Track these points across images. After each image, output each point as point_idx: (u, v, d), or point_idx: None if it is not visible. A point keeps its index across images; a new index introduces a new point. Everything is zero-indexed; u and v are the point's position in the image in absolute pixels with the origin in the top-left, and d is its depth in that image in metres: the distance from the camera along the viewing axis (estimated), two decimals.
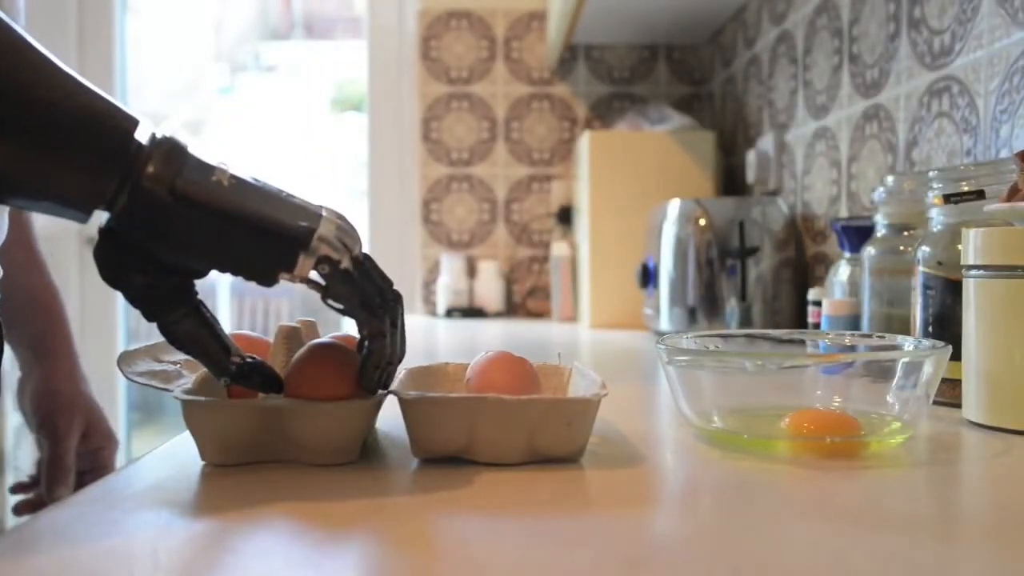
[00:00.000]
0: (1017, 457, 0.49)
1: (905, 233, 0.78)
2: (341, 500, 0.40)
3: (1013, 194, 0.57)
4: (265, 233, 0.42)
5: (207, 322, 0.45)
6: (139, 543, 0.35)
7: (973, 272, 0.57)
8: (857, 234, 0.90)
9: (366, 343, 0.45)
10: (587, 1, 1.48)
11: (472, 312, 1.85)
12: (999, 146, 0.82)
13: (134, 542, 0.35)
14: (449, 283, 1.87)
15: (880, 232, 0.81)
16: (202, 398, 0.45)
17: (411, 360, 0.57)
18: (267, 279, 0.43)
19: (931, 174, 0.67)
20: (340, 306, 0.44)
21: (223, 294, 4.38)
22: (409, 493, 0.42)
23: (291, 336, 0.51)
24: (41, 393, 0.85)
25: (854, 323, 0.83)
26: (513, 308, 1.93)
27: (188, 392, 0.46)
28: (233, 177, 0.42)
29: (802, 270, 1.29)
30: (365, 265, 0.44)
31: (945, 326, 0.63)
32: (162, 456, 0.48)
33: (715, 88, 1.85)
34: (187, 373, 0.52)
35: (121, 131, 0.40)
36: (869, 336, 0.67)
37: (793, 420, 0.50)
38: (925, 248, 0.66)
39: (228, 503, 0.40)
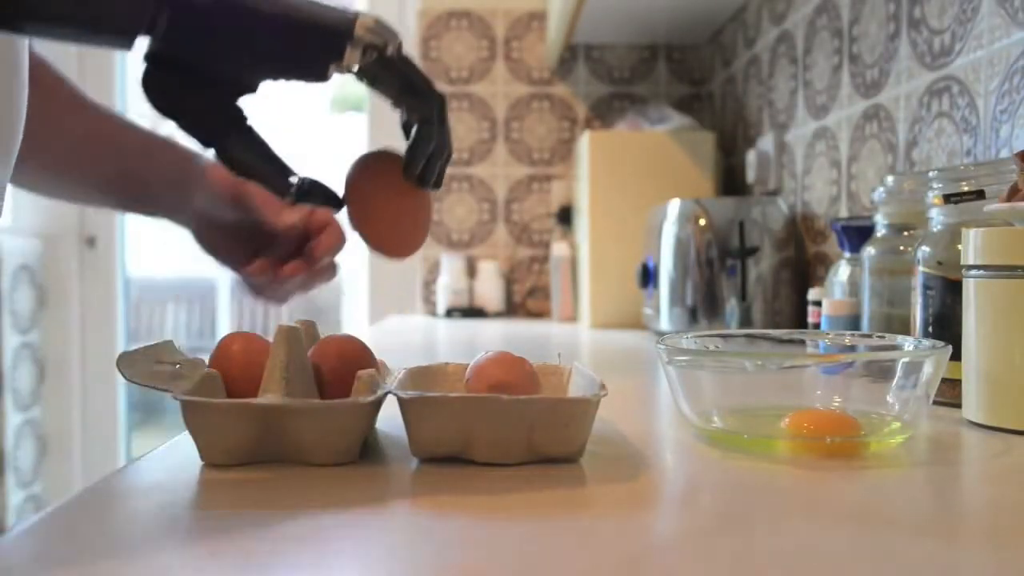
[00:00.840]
0: (1017, 457, 0.49)
1: (905, 233, 0.78)
2: (341, 500, 0.40)
3: (1013, 194, 0.57)
4: (311, 26, 0.42)
5: (262, 144, 0.45)
6: (139, 543, 0.35)
7: (973, 272, 0.57)
8: (857, 234, 0.90)
9: (412, 131, 0.46)
10: (587, 1, 1.48)
11: (472, 312, 1.85)
12: (999, 146, 0.82)
13: (134, 542, 0.35)
14: (449, 283, 1.87)
15: (880, 232, 0.81)
16: (202, 398, 0.45)
17: (411, 360, 0.57)
18: (318, 74, 0.44)
19: (931, 174, 0.67)
20: (386, 94, 0.45)
21: (223, 294, 4.38)
22: (409, 493, 0.42)
23: (291, 336, 0.51)
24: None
25: (854, 323, 0.83)
26: (513, 308, 1.93)
27: (188, 392, 0.46)
28: None
29: (802, 270, 1.29)
30: (406, 58, 0.45)
31: (945, 326, 0.63)
32: (162, 456, 0.48)
33: (715, 88, 1.85)
34: (187, 373, 0.52)
35: None
36: (869, 336, 0.67)
37: (793, 420, 0.50)
38: (925, 248, 0.66)
39: (228, 503, 0.40)
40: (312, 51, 0.43)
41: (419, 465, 0.46)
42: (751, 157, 1.52)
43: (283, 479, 0.43)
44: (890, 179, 0.80)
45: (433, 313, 1.93)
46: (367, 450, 0.49)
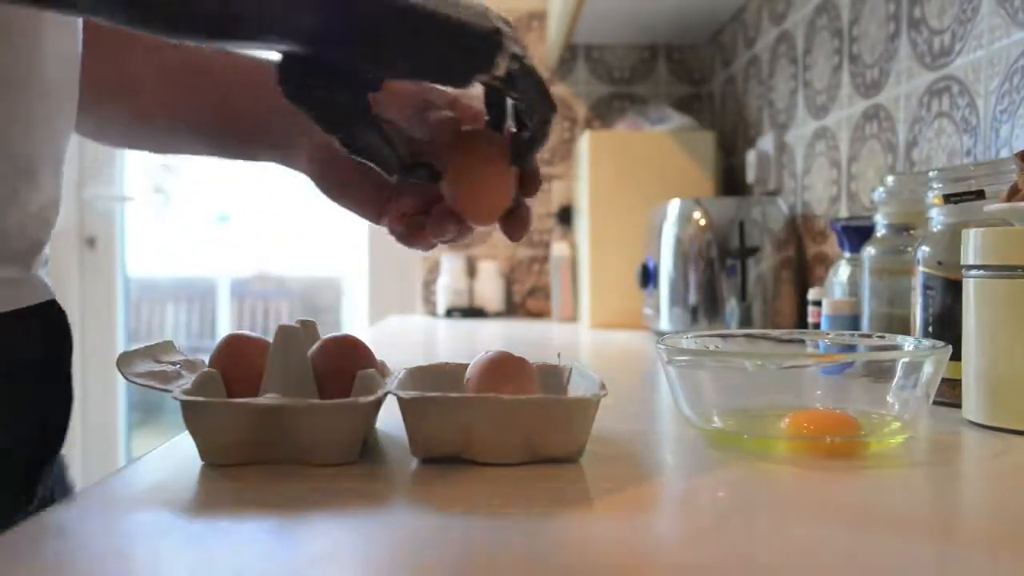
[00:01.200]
0: (1017, 457, 0.49)
1: (905, 233, 0.78)
2: (341, 500, 0.40)
3: (1013, 194, 0.57)
4: (466, 36, 0.43)
5: (380, 129, 0.47)
6: (139, 543, 0.35)
7: (973, 272, 0.57)
8: (857, 234, 0.90)
9: (528, 130, 0.48)
10: (587, 1, 1.48)
11: (472, 312, 1.85)
12: (999, 146, 0.82)
13: (134, 542, 0.35)
14: (449, 283, 1.87)
15: (880, 232, 0.81)
16: (202, 398, 0.45)
17: (411, 360, 0.57)
18: (462, 82, 0.45)
19: (931, 174, 0.67)
20: (520, 97, 0.46)
21: (223, 294, 4.38)
22: (409, 493, 0.42)
23: (291, 336, 0.51)
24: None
25: (854, 323, 0.83)
26: (513, 308, 1.93)
27: (187, 392, 0.46)
28: None
29: (802, 270, 1.29)
30: (533, 62, 0.47)
31: (945, 326, 0.63)
32: (162, 456, 0.48)
33: (715, 88, 1.85)
34: (186, 373, 0.52)
35: None
36: (869, 336, 0.67)
37: (793, 420, 0.50)
38: (925, 248, 0.66)
39: (228, 503, 0.40)
40: (465, 62, 0.44)
41: (419, 465, 0.46)
42: (751, 157, 1.52)
43: (283, 479, 0.43)
44: (890, 179, 0.80)
45: (433, 313, 1.93)
46: (367, 450, 0.49)
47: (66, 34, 0.54)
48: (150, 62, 0.64)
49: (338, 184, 0.60)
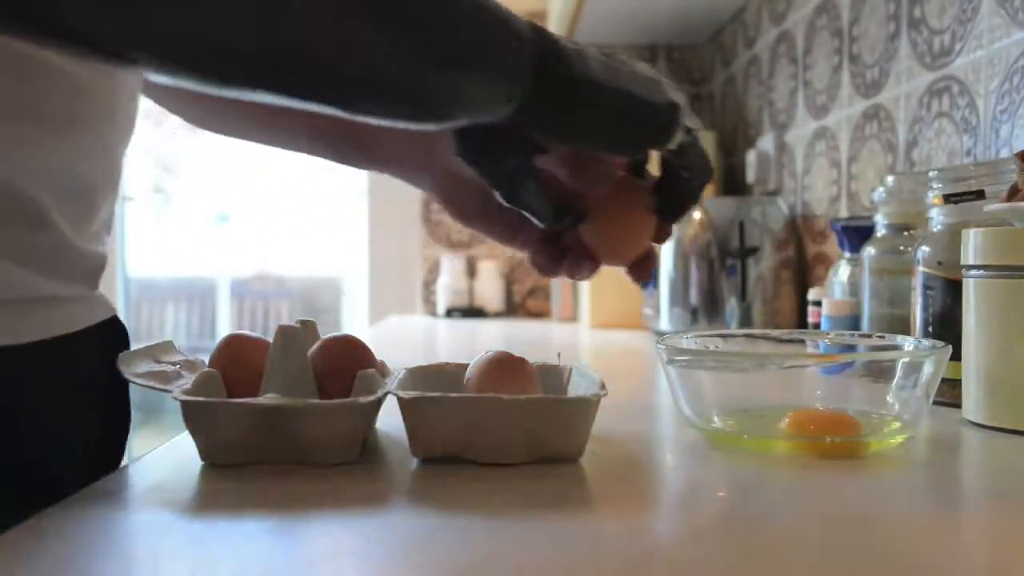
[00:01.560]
0: (1017, 457, 0.49)
1: (905, 233, 0.78)
2: (341, 500, 0.40)
3: (1013, 194, 0.57)
4: (650, 113, 0.45)
5: (541, 184, 0.48)
6: (139, 543, 0.35)
7: (973, 272, 0.57)
8: (857, 234, 0.90)
9: (685, 185, 0.49)
10: (587, 1, 1.48)
11: (472, 312, 1.85)
12: (999, 146, 0.82)
13: (134, 542, 0.35)
14: (449, 283, 1.87)
15: (880, 232, 0.81)
16: (202, 398, 0.45)
17: (411, 360, 0.57)
18: (639, 153, 0.47)
19: (931, 174, 0.67)
20: (682, 163, 0.48)
21: (223, 294, 4.38)
22: (409, 493, 0.42)
23: (291, 336, 0.51)
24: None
25: (854, 323, 0.83)
26: (513, 308, 1.93)
27: (188, 392, 0.46)
28: (599, 60, 0.43)
29: (802, 270, 1.29)
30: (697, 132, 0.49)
31: (945, 326, 0.63)
32: (162, 456, 0.48)
33: (715, 88, 1.85)
34: (187, 373, 0.52)
35: (519, 32, 0.41)
36: (869, 336, 0.67)
37: (793, 420, 0.50)
38: (925, 248, 0.66)
39: (228, 503, 0.40)
40: (645, 137, 0.46)
41: (419, 465, 0.46)
42: (751, 157, 1.52)
43: (283, 479, 0.43)
44: (890, 179, 0.80)
45: (433, 313, 1.93)
46: (367, 450, 0.49)
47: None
48: None
49: (465, 210, 0.60)
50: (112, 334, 0.58)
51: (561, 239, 0.55)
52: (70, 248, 0.51)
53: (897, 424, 0.50)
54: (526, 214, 0.49)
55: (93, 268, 0.55)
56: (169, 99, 0.67)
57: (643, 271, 0.54)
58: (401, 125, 0.42)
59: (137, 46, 0.34)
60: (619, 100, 0.43)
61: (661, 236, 0.53)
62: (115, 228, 0.59)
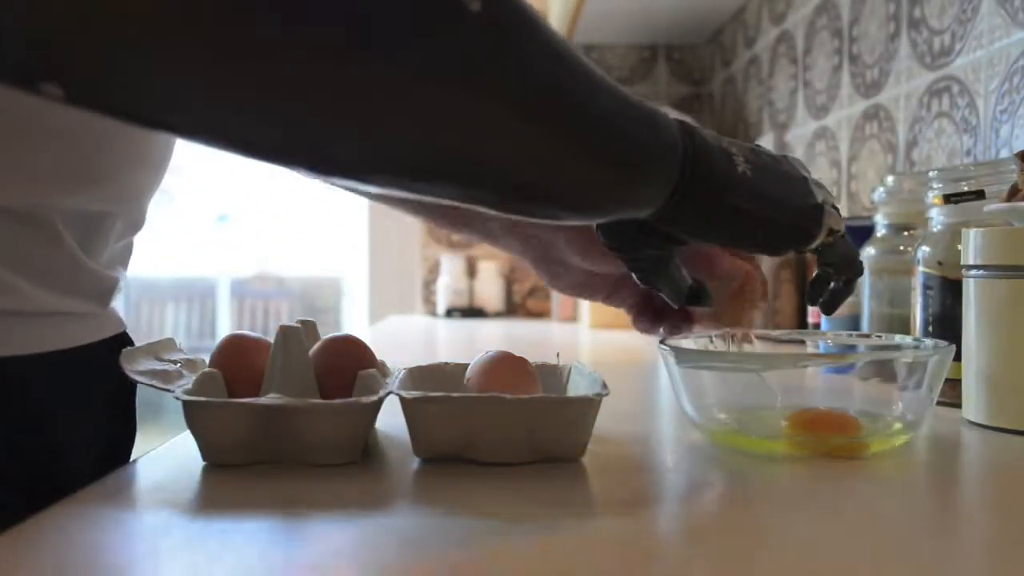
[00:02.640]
0: (1017, 457, 0.49)
1: (905, 233, 0.78)
2: (342, 500, 0.40)
3: (1013, 194, 0.57)
4: (793, 218, 0.45)
5: (679, 267, 0.49)
6: (139, 543, 0.35)
7: (973, 272, 0.57)
8: (857, 234, 0.90)
9: (834, 282, 0.51)
10: (587, 1, 1.48)
11: (472, 312, 1.85)
12: (999, 146, 0.82)
13: (134, 542, 0.35)
14: (449, 283, 1.87)
15: (880, 232, 0.81)
16: (203, 398, 0.45)
17: (411, 360, 0.57)
18: (781, 254, 0.48)
19: (931, 174, 0.67)
20: (823, 260, 0.49)
21: (223, 294, 4.38)
22: (410, 493, 0.42)
23: (292, 336, 0.51)
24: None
25: (854, 323, 0.83)
26: (513, 308, 1.93)
27: (189, 392, 0.46)
28: (747, 160, 0.43)
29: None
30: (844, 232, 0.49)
31: (945, 326, 0.63)
32: (162, 456, 0.48)
33: (715, 88, 1.85)
34: (187, 373, 0.52)
35: (670, 133, 0.41)
36: (868, 336, 0.67)
37: (792, 420, 0.50)
38: (925, 248, 0.66)
39: (228, 503, 0.40)
40: (788, 240, 0.46)
41: (420, 465, 0.46)
42: None
43: (284, 479, 0.43)
44: (890, 179, 0.80)
45: (433, 313, 1.93)
46: (368, 450, 0.49)
47: None
48: None
49: (560, 284, 0.61)
50: (121, 349, 0.59)
51: (655, 300, 0.57)
52: (82, 269, 0.52)
53: (899, 425, 0.50)
54: (661, 294, 0.50)
55: (105, 289, 0.55)
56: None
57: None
58: (547, 222, 0.43)
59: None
60: (763, 207, 0.43)
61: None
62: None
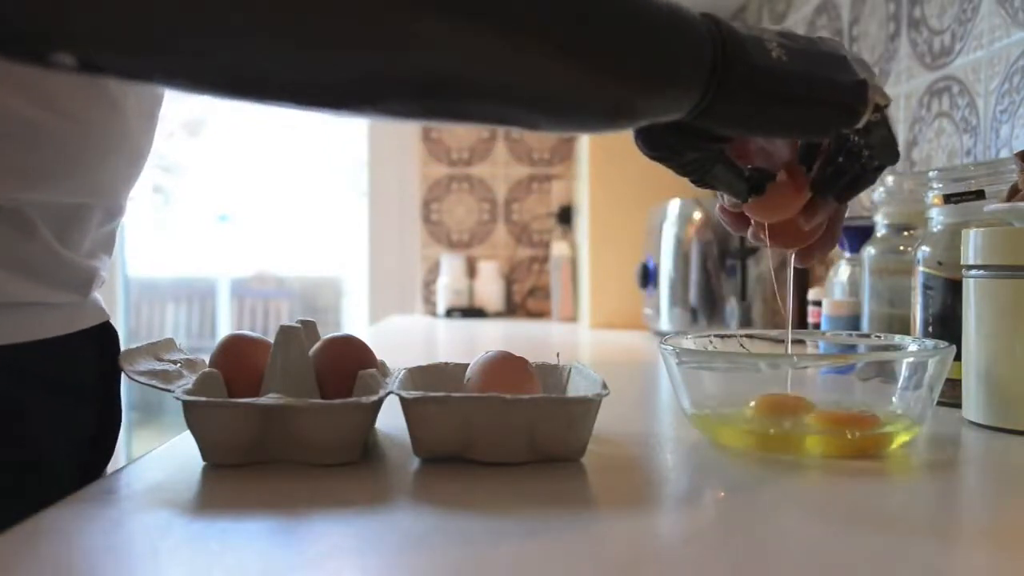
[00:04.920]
0: (1017, 457, 0.49)
1: (905, 233, 0.78)
2: (342, 500, 0.40)
3: (1013, 194, 0.57)
4: (836, 97, 0.44)
5: (733, 164, 0.48)
6: (139, 543, 0.35)
7: (973, 272, 0.57)
8: (857, 234, 0.90)
9: (857, 169, 0.48)
10: None
11: (472, 312, 1.85)
12: (999, 146, 0.82)
13: (134, 542, 0.35)
14: (449, 283, 1.87)
15: (880, 232, 0.81)
16: (203, 398, 0.45)
17: (411, 360, 0.57)
18: (828, 135, 0.46)
19: (931, 174, 0.67)
20: (868, 142, 0.47)
21: (223, 294, 4.38)
22: (410, 493, 0.42)
23: (291, 336, 0.51)
24: None
25: (854, 323, 0.83)
26: (513, 308, 1.93)
27: (189, 392, 0.46)
28: (780, 45, 0.43)
29: (802, 270, 1.29)
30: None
31: (945, 326, 0.63)
32: (162, 456, 0.48)
33: None
34: (187, 373, 0.52)
35: (697, 34, 0.40)
36: (868, 336, 0.67)
37: (759, 404, 0.52)
38: (925, 248, 0.66)
39: (228, 503, 0.40)
40: (832, 120, 0.45)
41: (420, 465, 0.46)
42: None
43: (284, 479, 0.43)
44: (890, 179, 0.80)
45: (433, 313, 1.93)
46: (368, 450, 0.49)
47: (149, 98, 0.56)
48: None
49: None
50: (104, 338, 0.58)
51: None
52: (58, 258, 0.51)
53: (901, 424, 0.51)
54: (722, 192, 0.50)
55: (84, 279, 0.55)
56: None
57: (806, 257, 0.54)
58: (580, 132, 0.43)
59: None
60: (802, 88, 0.42)
61: (828, 236, 0.52)
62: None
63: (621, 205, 1.52)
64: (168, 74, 0.33)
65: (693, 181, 0.49)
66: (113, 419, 0.60)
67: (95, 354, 0.57)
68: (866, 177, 0.49)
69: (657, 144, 0.47)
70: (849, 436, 0.49)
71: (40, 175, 0.49)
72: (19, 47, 0.30)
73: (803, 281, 1.28)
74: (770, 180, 0.50)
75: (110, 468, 0.59)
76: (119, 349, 0.60)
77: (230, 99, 0.35)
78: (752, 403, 0.52)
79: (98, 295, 0.58)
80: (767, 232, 0.52)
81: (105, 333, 0.58)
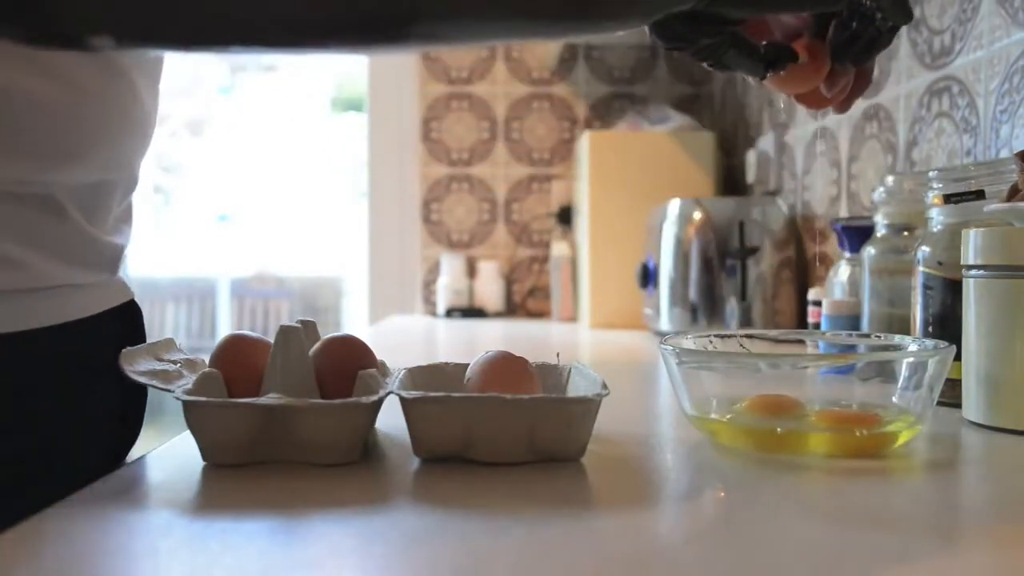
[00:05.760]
0: (1017, 457, 0.49)
1: (905, 233, 0.78)
2: (342, 500, 0.40)
3: (1013, 194, 0.57)
4: None
5: (746, 43, 0.50)
6: (139, 543, 0.35)
7: (973, 272, 0.57)
8: (857, 234, 0.90)
9: (871, 32, 0.49)
10: None
11: (472, 312, 1.85)
12: (999, 146, 0.82)
13: (134, 542, 0.35)
14: (449, 283, 1.87)
15: (880, 232, 0.81)
16: (203, 398, 0.45)
17: (411, 360, 0.57)
18: (838, 5, 0.47)
19: (931, 174, 0.67)
20: (878, 7, 0.48)
21: (223, 294, 4.38)
22: (410, 493, 0.42)
23: (291, 336, 0.51)
24: None
25: (854, 323, 0.83)
26: (513, 308, 1.93)
27: (189, 392, 0.46)
28: None
29: (802, 270, 1.29)
30: None
31: (945, 326, 0.63)
32: (162, 456, 0.48)
33: (715, 88, 1.85)
34: (187, 373, 0.52)
35: None
36: (868, 336, 0.67)
37: (752, 404, 0.52)
38: (925, 248, 0.66)
39: (228, 503, 0.40)
40: None
41: (420, 465, 0.46)
42: (751, 157, 1.52)
43: (284, 479, 0.43)
44: (890, 179, 0.80)
45: (433, 313, 1.93)
46: (368, 450, 0.49)
47: (153, 66, 0.57)
48: None
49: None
50: (130, 317, 0.60)
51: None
52: (88, 238, 0.53)
53: (903, 423, 0.50)
54: (739, 72, 0.51)
55: (112, 256, 0.57)
56: None
57: (842, 104, 0.54)
58: (596, 34, 0.44)
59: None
60: None
61: (860, 82, 0.53)
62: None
63: (621, 205, 1.52)
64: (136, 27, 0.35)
65: (710, 66, 0.50)
66: (139, 395, 0.61)
67: (121, 332, 0.58)
68: (881, 39, 0.50)
69: (671, 35, 0.48)
70: (858, 434, 0.49)
71: (65, 154, 0.50)
72: (55, 35, 0.33)
73: (803, 281, 1.28)
74: (787, 52, 0.51)
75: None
76: (143, 326, 0.61)
77: (192, 47, 0.37)
78: (744, 404, 0.52)
79: (123, 275, 0.59)
80: (796, 98, 0.54)
81: (132, 312, 0.60)
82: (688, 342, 0.59)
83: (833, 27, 0.51)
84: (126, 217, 0.59)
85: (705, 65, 0.50)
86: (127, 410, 0.60)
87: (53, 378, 0.52)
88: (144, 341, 0.61)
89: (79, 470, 0.42)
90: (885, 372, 0.52)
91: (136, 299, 0.61)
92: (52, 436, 0.52)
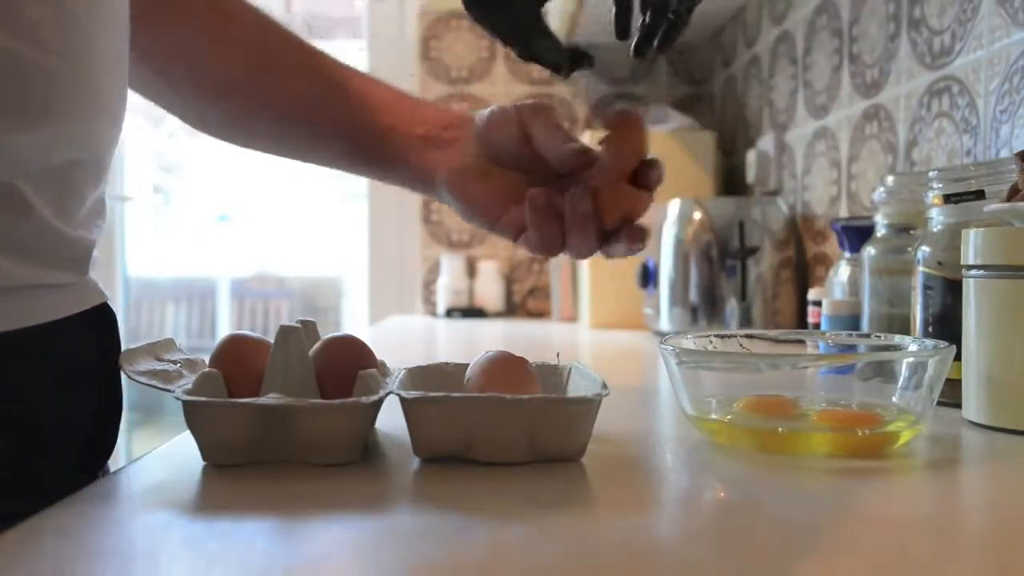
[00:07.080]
0: (1017, 457, 0.49)
1: (905, 233, 0.78)
2: (342, 500, 0.40)
3: (1013, 194, 0.57)
4: None
5: (552, 38, 0.53)
6: (139, 543, 0.35)
7: (973, 272, 0.57)
8: (857, 234, 0.90)
9: (664, 15, 0.54)
10: (587, 1, 1.48)
11: (472, 312, 1.85)
12: (999, 146, 0.82)
13: (134, 542, 0.35)
14: (449, 283, 1.87)
15: (880, 232, 0.81)
16: (203, 398, 0.45)
17: (411, 360, 0.57)
18: None
19: (931, 174, 0.67)
20: None
21: (223, 294, 4.38)
22: (410, 493, 0.42)
23: (292, 336, 0.51)
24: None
25: (854, 323, 0.83)
26: (513, 308, 1.93)
27: (189, 392, 0.46)
28: None
29: (802, 270, 1.29)
30: None
31: (945, 326, 0.63)
32: (162, 456, 0.48)
33: (715, 88, 1.85)
34: (187, 373, 0.52)
35: None
36: (868, 336, 0.67)
37: (746, 404, 0.52)
38: (925, 248, 0.66)
39: (228, 503, 0.40)
40: None
41: (420, 465, 0.46)
42: (751, 157, 1.52)
43: (284, 479, 0.43)
44: (890, 179, 0.80)
45: (433, 313, 1.93)
46: (368, 450, 0.49)
47: (119, 37, 0.54)
48: (291, 85, 0.68)
49: (472, 198, 0.63)
50: (102, 320, 0.57)
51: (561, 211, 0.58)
52: (55, 234, 0.50)
53: (904, 423, 0.51)
54: (545, 67, 0.53)
55: (81, 254, 0.53)
56: (167, 99, 0.67)
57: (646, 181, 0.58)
58: None
59: None
60: None
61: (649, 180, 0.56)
62: (115, 227, 0.59)
63: None
64: None
65: (520, 51, 0.52)
66: (114, 401, 0.59)
67: (95, 336, 0.56)
68: (678, 23, 0.54)
69: (483, 5, 0.50)
70: (860, 433, 0.49)
71: (30, 112, 0.47)
72: None
73: (803, 281, 1.28)
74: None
75: (114, 465, 0.59)
76: (118, 330, 0.59)
77: None
78: (740, 404, 0.52)
79: (94, 276, 0.57)
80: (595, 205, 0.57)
81: (104, 315, 0.57)
82: (688, 342, 0.59)
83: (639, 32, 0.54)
84: (98, 211, 0.55)
85: (513, 51, 0.52)
86: (103, 418, 0.57)
87: (23, 383, 0.50)
88: (120, 350, 0.58)
89: (50, 479, 0.41)
90: (885, 372, 0.52)
91: (134, 301, 0.60)
92: (21, 441, 0.50)
